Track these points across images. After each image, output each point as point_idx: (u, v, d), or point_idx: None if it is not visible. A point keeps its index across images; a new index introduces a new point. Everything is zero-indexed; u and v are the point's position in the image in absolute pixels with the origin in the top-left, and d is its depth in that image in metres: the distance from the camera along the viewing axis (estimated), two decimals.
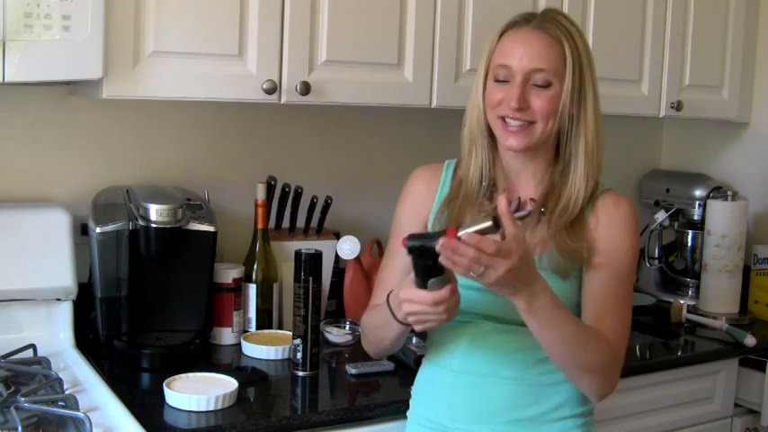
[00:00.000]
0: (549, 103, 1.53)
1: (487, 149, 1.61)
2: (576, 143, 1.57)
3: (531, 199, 1.60)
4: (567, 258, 1.53)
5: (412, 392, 1.67)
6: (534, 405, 1.55)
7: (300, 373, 1.83)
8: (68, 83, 1.90)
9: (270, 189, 2.13)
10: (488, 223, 1.30)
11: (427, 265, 1.32)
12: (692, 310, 2.50)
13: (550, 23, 1.56)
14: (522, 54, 1.53)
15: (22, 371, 1.65)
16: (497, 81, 1.56)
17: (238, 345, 1.99)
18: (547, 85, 1.53)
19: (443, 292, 1.35)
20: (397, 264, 1.64)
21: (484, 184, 1.61)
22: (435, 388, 1.60)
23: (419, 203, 1.66)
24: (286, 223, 2.22)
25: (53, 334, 1.87)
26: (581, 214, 1.57)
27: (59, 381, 1.58)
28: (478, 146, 1.61)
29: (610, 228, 1.57)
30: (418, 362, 1.69)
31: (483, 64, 1.60)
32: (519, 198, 1.61)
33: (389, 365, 1.86)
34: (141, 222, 1.83)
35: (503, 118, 1.55)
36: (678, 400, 2.19)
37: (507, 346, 1.54)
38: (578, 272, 1.57)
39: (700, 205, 2.69)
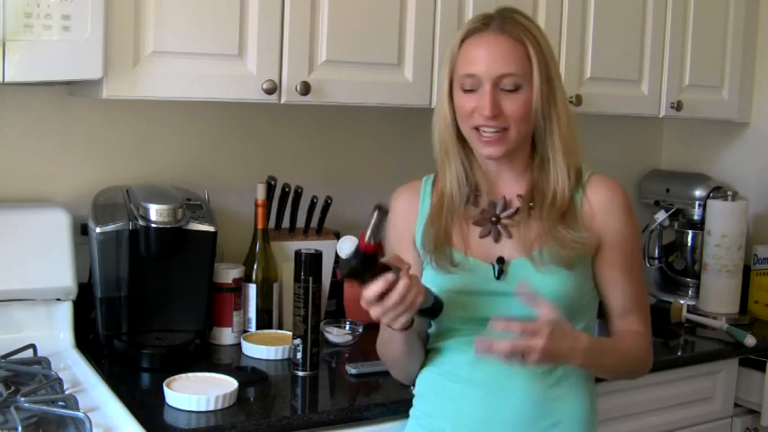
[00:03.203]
0: (521, 106, 1.53)
1: (461, 157, 1.60)
2: (552, 138, 1.57)
3: (519, 195, 1.60)
4: (570, 251, 1.53)
5: (415, 392, 1.66)
6: (542, 418, 1.54)
7: (300, 373, 1.83)
8: (68, 83, 1.90)
9: (270, 189, 2.13)
10: (374, 213, 1.35)
11: (366, 279, 1.37)
12: (692, 310, 2.50)
13: (510, 25, 1.54)
14: (488, 60, 1.52)
15: (22, 371, 1.65)
16: (465, 91, 1.54)
17: (238, 345, 1.99)
18: (516, 89, 1.52)
19: (378, 284, 1.36)
20: None
21: (466, 190, 1.61)
22: (442, 395, 1.58)
23: (404, 223, 1.66)
24: (286, 223, 2.22)
25: (53, 334, 1.87)
26: (572, 203, 1.58)
27: (59, 381, 1.58)
28: (451, 156, 1.60)
29: (608, 216, 1.59)
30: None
31: (446, 74, 1.58)
32: (504, 198, 1.61)
33: None
34: (141, 222, 1.83)
35: (477, 128, 1.54)
36: (678, 400, 2.19)
37: None
38: (585, 261, 1.57)
39: (700, 205, 2.68)
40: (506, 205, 1.60)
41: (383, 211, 1.35)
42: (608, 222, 1.59)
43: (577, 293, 1.57)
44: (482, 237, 1.59)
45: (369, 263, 1.36)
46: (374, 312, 1.41)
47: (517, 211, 1.59)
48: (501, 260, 1.56)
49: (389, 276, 1.37)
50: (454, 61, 1.57)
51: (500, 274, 1.55)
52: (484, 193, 1.61)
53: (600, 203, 1.59)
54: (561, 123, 1.56)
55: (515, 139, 1.55)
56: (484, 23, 1.56)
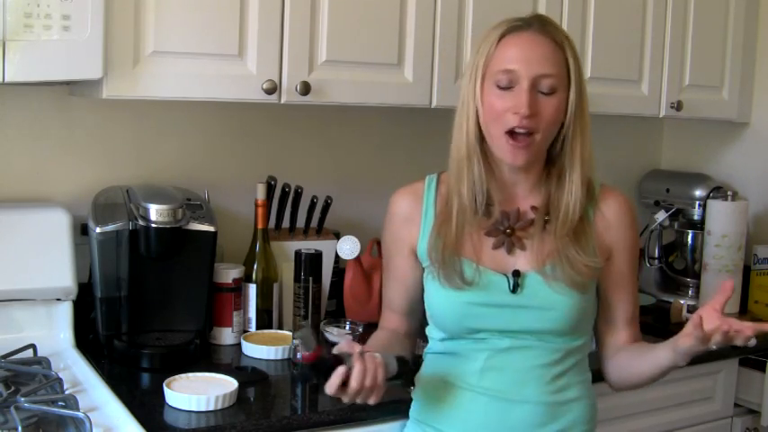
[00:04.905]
0: (554, 111, 1.49)
1: (481, 163, 1.54)
2: (573, 152, 1.54)
3: (533, 207, 1.58)
4: (583, 275, 1.52)
5: (415, 395, 1.64)
6: (549, 424, 1.54)
7: None
8: (68, 83, 1.91)
9: (270, 189, 2.13)
10: (297, 333, 1.48)
11: (321, 380, 1.42)
12: (691, 310, 2.49)
13: (552, 28, 1.52)
14: (530, 59, 1.48)
15: (22, 371, 1.65)
16: (499, 88, 1.49)
17: (238, 345, 1.99)
18: (552, 92, 1.49)
19: (333, 380, 1.38)
20: (398, 286, 1.67)
21: (479, 199, 1.55)
22: (449, 402, 1.57)
23: (404, 229, 1.63)
24: (286, 223, 2.22)
25: (53, 334, 1.87)
26: (585, 219, 1.56)
27: (59, 381, 1.58)
28: (473, 159, 1.54)
29: (619, 230, 1.61)
30: (417, 362, 1.69)
31: (479, 70, 1.51)
32: (518, 209, 1.58)
33: None
34: (141, 222, 1.83)
35: (509, 132, 1.48)
36: (678, 400, 2.19)
37: (525, 364, 1.54)
38: (593, 284, 1.59)
39: (700, 205, 2.68)
40: (520, 216, 1.58)
41: (305, 332, 1.45)
42: (619, 235, 1.60)
43: (585, 311, 1.57)
44: (495, 248, 1.56)
45: (316, 367, 1.42)
46: (344, 399, 1.41)
47: (532, 222, 1.57)
48: (516, 273, 1.54)
49: (340, 370, 1.39)
50: (489, 58, 1.51)
51: (515, 288, 1.53)
52: (496, 202, 1.56)
53: (613, 217, 1.60)
54: (585, 138, 1.54)
55: (540, 144, 1.51)
56: (526, 23, 1.52)
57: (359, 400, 1.41)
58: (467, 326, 1.55)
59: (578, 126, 1.54)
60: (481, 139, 1.54)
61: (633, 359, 1.62)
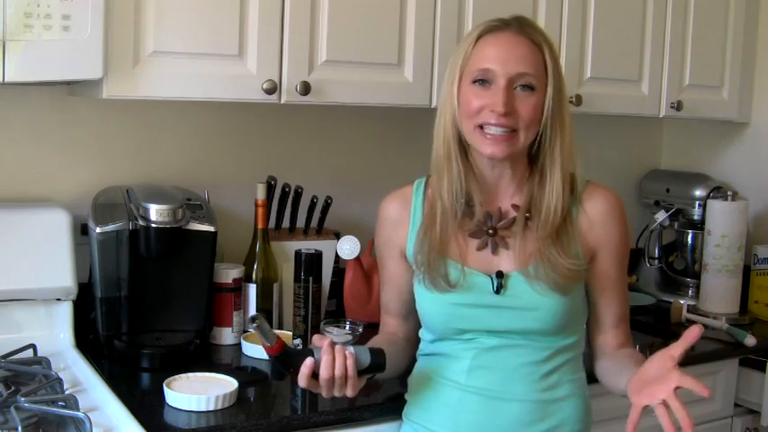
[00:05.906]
0: (533, 109, 1.50)
1: (460, 163, 1.55)
2: (553, 151, 1.54)
3: (514, 205, 1.58)
4: (564, 278, 1.51)
5: (408, 397, 1.65)
6: (539, 422, 1.54)
7: None
8: (68, 83, 1.90)
9: (270, 189, 2.13)
10: (254, 326, 1.41)
11: (292, 372, 1.44)
12: (691, 310, 2.50)
13: (530, 29, 1.53)
14: (507, 58, 1.49)
15: (22, 371, 1.65)
16: (476, 86, 1.50)
17: (238, 345, 1.99)
18: (529, 91, 1.50)
19: (302, 371, 1.41)
20: (392, 289, 1.68)
21: (461, 200, 1.56)
22: (439, 402, 1.58)
23: (393, 233, 1.65)
24: (286, 223, 2.22)
25: (53, 334, 1.87)
26: (567, 218, 1.56)
27: (59, 381, 1.58)
28: (452, 160, 1.55)
29: (605, 228, 1.58)
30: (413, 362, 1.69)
31: (456, 71, 1.54)
32: (500, 208, 1.58)
33: None
34: (141, 222, 1.83)
35: (480, 126, 1.50)
36: None
37: (513, 362, 1.54)
38: (579, 285, 1.58)
39: (700, 205, 2.69)
40: (502, 216, 1.58)
41: (259, 321, 1.41)
42: (605, 234, 1.58)
43: (572, 311, 1.57)
44: (479, 249, 1.57)
45: (282, 360, 1.44)
46: (323, 393, 1.43)
47: (514, 221, 1.57)
48: (500, 274, 1.54)
49: (308, 361, 1.41)
50: (467, 58, 1.53)
51: (499, 289, 1.54)
52: (477, 203, 1.56)
53: (598, 216, 1.58)
54: (564, 137, 1.54)
55: (522, 142, 1.51)
56: (504, 23, 1.54)
57: (336, 393, 1.42)
58: (453, 326, 1.56)
59: (557, 125, 1.53)
60: (459, 139, 1.55)
61: (610, 372, 1.59)
